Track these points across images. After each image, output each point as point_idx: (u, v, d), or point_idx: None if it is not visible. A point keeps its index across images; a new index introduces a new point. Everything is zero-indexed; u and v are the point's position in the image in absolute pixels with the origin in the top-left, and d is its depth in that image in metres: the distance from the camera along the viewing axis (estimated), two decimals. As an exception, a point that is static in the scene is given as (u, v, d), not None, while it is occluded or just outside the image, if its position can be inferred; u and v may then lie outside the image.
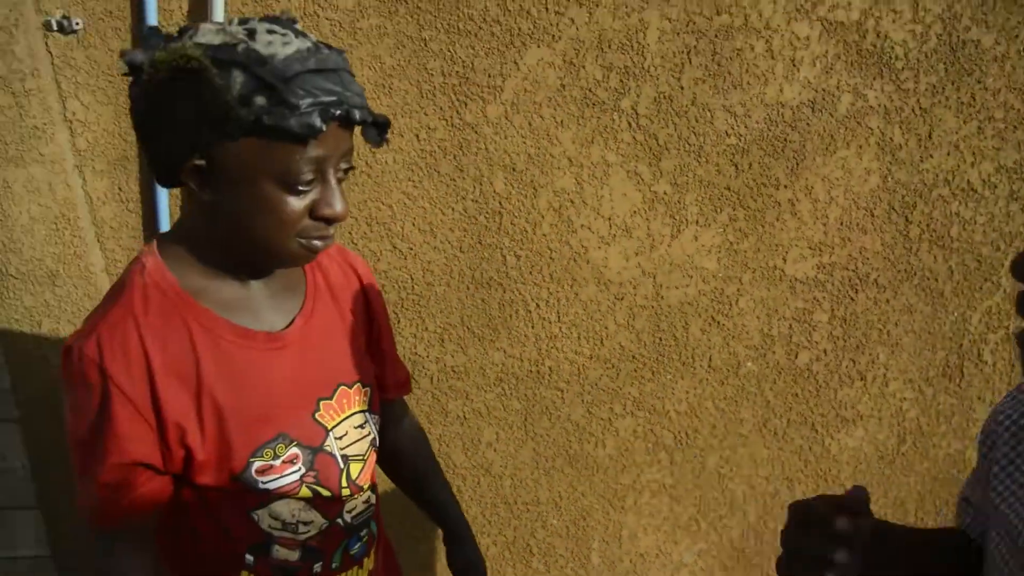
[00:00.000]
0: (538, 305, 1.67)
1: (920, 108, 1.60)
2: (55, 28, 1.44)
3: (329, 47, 0.90)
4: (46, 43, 1.46)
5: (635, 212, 1.62)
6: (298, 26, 0.91)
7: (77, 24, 1.44)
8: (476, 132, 1.54)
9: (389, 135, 1.31)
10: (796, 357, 1.78)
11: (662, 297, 1.69)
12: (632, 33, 1.51)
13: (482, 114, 1.53)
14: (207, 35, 0.87)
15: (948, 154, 1.63)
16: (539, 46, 1.50)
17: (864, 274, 1.72)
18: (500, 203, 1.59)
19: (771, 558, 1.93)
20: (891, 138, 1.61)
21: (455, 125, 1.54)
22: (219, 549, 1.02)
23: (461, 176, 1.57)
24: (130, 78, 0.91)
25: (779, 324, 1.74)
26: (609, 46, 1.51)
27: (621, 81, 1.54)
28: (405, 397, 1.27)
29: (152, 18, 1.43)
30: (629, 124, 1.56)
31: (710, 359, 1.75)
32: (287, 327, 1.02)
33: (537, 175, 1.58)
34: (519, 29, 1.49)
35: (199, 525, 1.01)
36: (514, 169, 1.57)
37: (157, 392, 0.92)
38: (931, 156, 1.63)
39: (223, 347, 0.96)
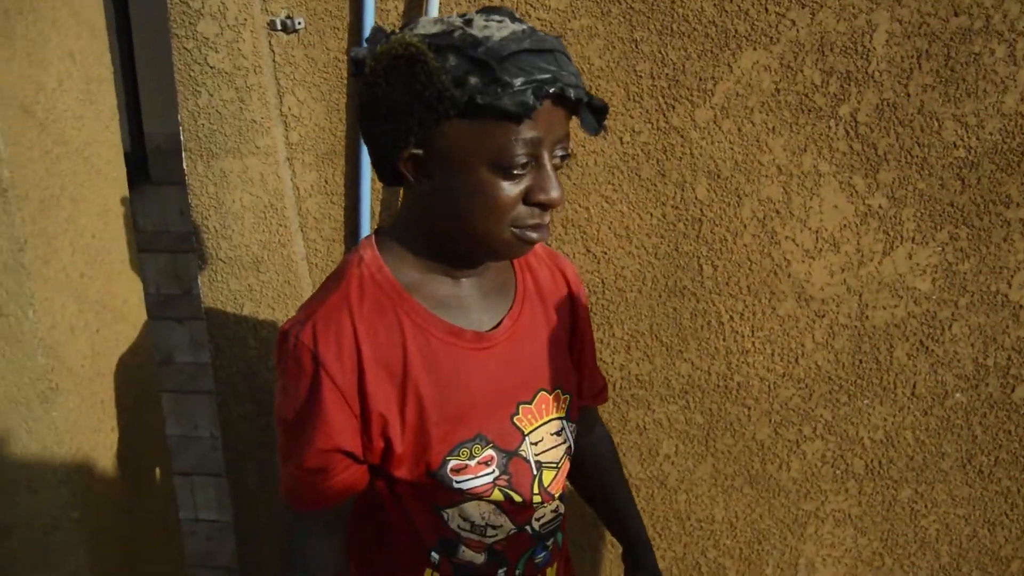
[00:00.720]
0: (732, 317, 1.60)
1: None
2: (279, 27, 1.51)
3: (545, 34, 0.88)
4: (269, 41, 1.53)
5: (845, 226, 1.52)
6: (516, 14, 0.90)
7: (299, 23, 1.50)
8: (682, 136, 1.49)
9: (607, 123, 1.27)
10: (1013, 391, 1.62)
11: (867, 317, 1.58)
12: (857, 36, 1.41)
13: (690, 118, 1.48)
14: (425, 26, 0.88)
15: None
16: (755, 48, 1.43)
17: (1103, 304, 1.54)
18: (701, 210, 1.53)
19: (964, 605, 1.78)
20: None
21: (661, 129, 1.49)
22: (407, 543, 1.03)
23: (663, 181, 1.52)
24: (356, 77, 0.92)
25: (996, 354, 1.59)
26: (831, 49, 1.42)
27: (841, 86, 1.44)
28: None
29: (369, 16, 1.46)
30: (847, 132, 1.46)
31: (914, 386, 1.63)
32: (495, 328, 1.01)
33: (742, 183, 1.51)
34: (735, 31, 1.42)
35: (390, 518, 1.02)
36: (719, 176, 1.51)
37: (365, 383, 0.93)
38: None
39: (431, 343, 0.96)
